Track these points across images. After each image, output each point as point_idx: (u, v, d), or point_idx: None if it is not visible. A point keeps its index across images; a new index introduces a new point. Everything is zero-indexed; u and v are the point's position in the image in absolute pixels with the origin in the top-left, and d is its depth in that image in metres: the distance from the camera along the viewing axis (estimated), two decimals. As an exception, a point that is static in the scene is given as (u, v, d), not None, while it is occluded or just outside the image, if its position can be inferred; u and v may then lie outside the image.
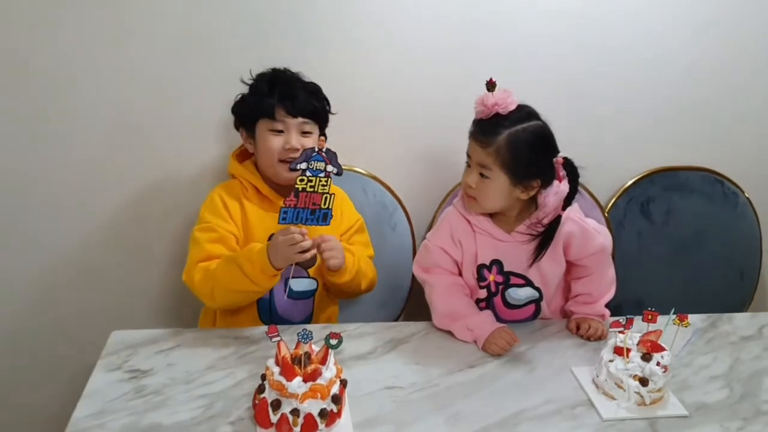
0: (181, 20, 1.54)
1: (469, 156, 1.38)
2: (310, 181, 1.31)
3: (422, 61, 1.65)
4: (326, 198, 1.33)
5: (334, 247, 1.41)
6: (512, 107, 1.31)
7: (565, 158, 1.34)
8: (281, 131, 1.44)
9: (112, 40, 1.53)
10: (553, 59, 1.70)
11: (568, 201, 1.35)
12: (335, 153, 1.32)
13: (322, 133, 1.52)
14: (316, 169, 1.31)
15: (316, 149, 1.32)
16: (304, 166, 1.31)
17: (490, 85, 1.31)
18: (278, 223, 1.31)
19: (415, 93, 1.68)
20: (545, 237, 1.39)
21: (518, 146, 1.30)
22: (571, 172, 1.34)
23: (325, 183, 1.32)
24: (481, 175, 1.35)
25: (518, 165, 1.31)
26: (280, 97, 1.42)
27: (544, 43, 1.68)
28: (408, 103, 1.69)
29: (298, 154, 1.38)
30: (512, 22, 1.65)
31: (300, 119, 1.44)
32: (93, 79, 1.55)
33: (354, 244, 1.55)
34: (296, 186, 1.30)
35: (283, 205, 1.31)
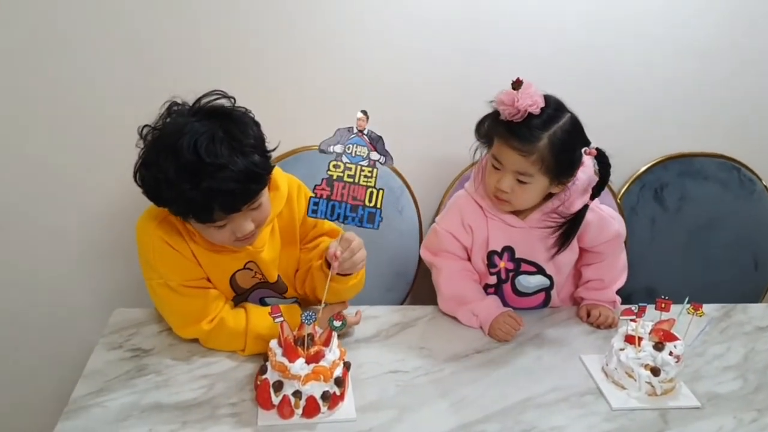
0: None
1: (499, 161, 1.27)
2: (348, 169, 1.08)
3: (430, 43, 1.61)
4: (372, 193, 1.09)
5: (357, 249, 1.17)
6: (542, 104, 1.22)
7: (597, 149, 1.27)
8: (224, 225, 1.13)
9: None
10: (566, 44, 1.65)
11: (597, 191, 1.30)
12: (381, 137, 1.09)
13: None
14: (356, 155, 1.09)
15: (356, 130, 1.09)
16: (339, 149, 1.08)
17: (517, 84, 1.20)
18: (308, 216, 1.10)
19: (425, 73, 1.64)
20: (570, 227, 1.34)
21: (560, 148, 1.22)
22: (603, 161, 1.28)
23: (369, 174, 1.09)
24: (519, 180, 1.27)
25: (560, 166, 1.25)
26: (208, 197, 1.05)
27: (556, 28, 1.63)
28: (416, 84, 1.65)
29: (253, 236, 1.17)
30: (522, 8, 1.60)
31: (244, 208, 1.12)
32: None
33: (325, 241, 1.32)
34: (329, 172, 1.08)
35: (313, 195, 1.09)
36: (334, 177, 1.08)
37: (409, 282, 1.75)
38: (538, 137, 1.22)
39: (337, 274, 1.17)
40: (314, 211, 1.09)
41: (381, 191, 1.09)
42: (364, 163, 1.09)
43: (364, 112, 1.09)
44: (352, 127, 1.08)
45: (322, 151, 1.08)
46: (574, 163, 1.27)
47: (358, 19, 1.55)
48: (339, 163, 1.08)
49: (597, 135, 1.31)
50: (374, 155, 1.09)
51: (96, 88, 1.49)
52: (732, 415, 1.13)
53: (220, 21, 1.48)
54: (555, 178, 1.27)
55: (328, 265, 1.17)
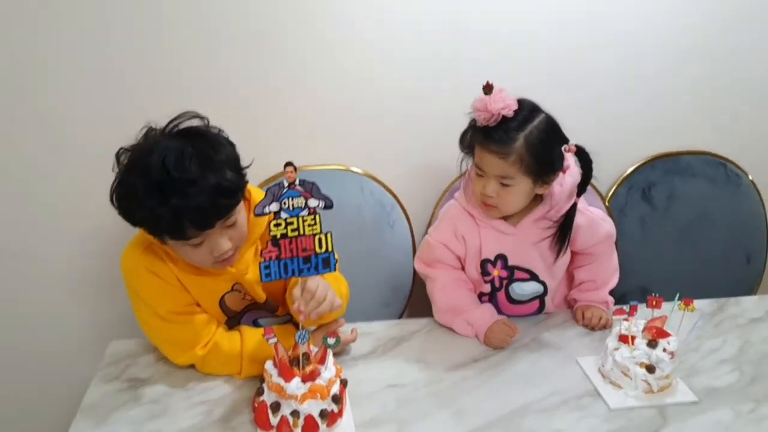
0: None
1: (481, 168, 1.30)
2: (290, 223, 1.07)
3: (417, 59, 1.63)
4: (320, 239, 1.08)
5: (325, 299, 1.12)
6: (515, 107, 1.25)
7: (576, 145, 1.29)
8: (200, 243, 1.12)
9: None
10: (549, 49, 1.67)
11: (582, 187, 1.32)
12: (314, 183, 1.07)
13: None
14: (295, 207, 1.07)
15: (287, 183, 1.05)
16: (275, 207, 1.05)
17: (488, 89, 1.24)
18: (261, 281, 1.07)
19: (411, 91, 1.66)
20: (563, 228, 1.36)
21: (537, 146, 1.24)
22: (583, 158, 1.30)
23: (312, 221, 1.07)
24: (502, 184, 1.29)
25: (540, 164, 1.26)
26: (179, 214, 1.05)
27: (538, 33, 1.65)
28: (404, 101, 1.67)
29: (233, 252, 1.17)
30: (507, 13, 1.63)
31: (218, 224, 1.11)
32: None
33: None
34: (271, 233, 1.06)
35: (262, 259, 1.06)
36: (278, 236, 1.06)
37: (405, 296, 1.76)
38: (513, 138, 1.24)
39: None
40: (267, 275, 1.07)
41: (328, 234, 1.09)
42: (305, 213, 1.07)
43: (291, 164, 1.06)
44: (282, 182, 1.06)
45: (257, 214, 1.06)
46: (554, 161, 1.29)
47: (344, 35, 1.57)
48: (279, 221, 1.06)
49: (581, 138, 1.32)
50: (312, 202, 1.07)
51: (74, 111, 1.50)
52: (729, 407, 1.14)
53: (207, 45, 1.51)
54: (537, 178, 1.29)
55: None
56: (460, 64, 1.64)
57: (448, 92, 1.65)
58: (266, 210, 1.05)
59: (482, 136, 1.27)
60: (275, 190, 1.05)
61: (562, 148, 1.28)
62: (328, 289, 1.14)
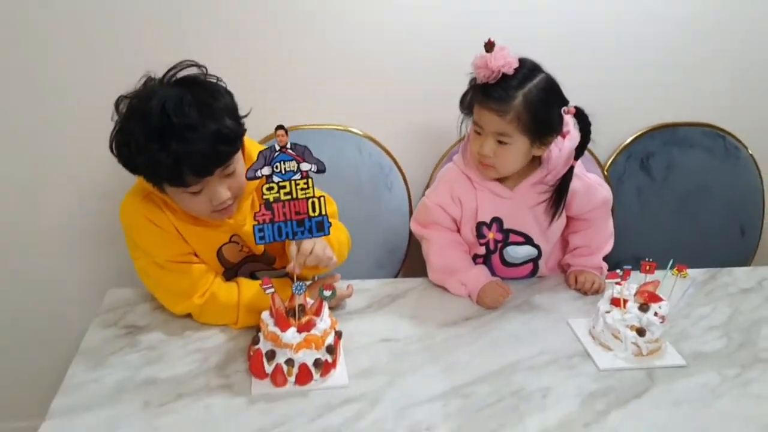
0: None
1: (479, 125, 1.30)
2: (283, 187, 1.08)
3: (419, 20, 1.61)
4: (313, 203, 1.09)
5: (320, 256, 1.14)
6: (516, 65, 1.24)
7: (576, 107, 1.29)
8: (199, 191, 1.13)
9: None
10: (552, 17, 1.65)
11: (580, 151, 1.32)
12: (305, 146, 1.07)
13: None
14: (287, 171, 1.07)
15: (278, 147, 1.06)
16: (267, 171, 1.06)
17: (489, 46, 1.24)
18: (255, 243, 1.10)
19: (413, 52, 1.64)
20: (559, 192, 1.36)
21: (535, 105, 1.24)
22: (582, 120, 1.30)
23: (305, 185, 1.08)
24: (499, 142, 1.28)
25: (538, 124, 1.26)
26: (178, 160, 1.05)
27: (542, 1, 1.64)
28: (405, 62, 1.65)
29: (232, 203, 1.17)
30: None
31: (217, 172, 1.12)
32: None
33: None
34: (264, 197, 1.07)
35: (255, 222, 1.08)
36: (271, 199, 1.07)
37: (400, 258, 1.77)
38: (512, 96, 1.24)
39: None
40: (261, 238, 1.08)
41: (322, 198, 1.10)
42: (297, 176, 1.08)
43: (282, 127, 1.06)
44: (274, 146, 1.06)
45: (249, 178, 1.07)
46: (552, 121, 1.29)
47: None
48: (272, 184, 1.07)
49: (583, 106, 1.31)
50: (305, 166, 1.08)
51: (71, 63, 1.49)
52: (716, 371, 1.16)
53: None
54: (535, 138, 1.29)
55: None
56: (462, 26, 1.62)
57: (451, 55, 1.62)
58: (258, 174, 1.06)
59: (481, 94, 1.27)
60: (267, 154, 1.06)
61: (562, 110, 1.28)
62: (324, 248, 1.15)
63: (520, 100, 1.24)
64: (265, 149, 1.07)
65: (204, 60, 1.19)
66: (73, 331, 1.39)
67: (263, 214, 1.08)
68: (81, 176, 1.60)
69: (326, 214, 1.11)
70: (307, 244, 1.13)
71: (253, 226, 1.08)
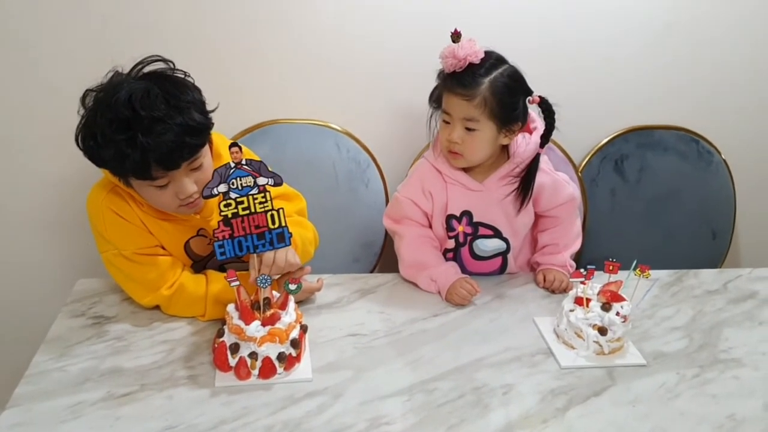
0: None
1: (448, 113, 1.34)
2: (241, 203, 1.09)
3: (395, 16, 1.62)
4: (272, 215, 1.11)
5: (282, 266, 1.16)
6: (482, 55, 1.29)
7: (540, 96, 1.33)
8: (165, 185, 1.13)
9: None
10: (528, 20, 1.67)
11: (545, 139, 1.35)
12: (261, 161, 1.10)
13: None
14: (244, 186, 1.09)
15: (233, 164, 1.07)
16: (223, 188, 1.08)
17: (456, 36, 1.29)
18: (217, 259, 1.10)
19: (390, 48, 1.65)
20: (526, 181, 1.39)
21: (502, 91, 1.29)
22: (546, 108, 1.33)
23: (263, 199, 1.10)
24: (467, 129, 1.32)
25: (504, 110, 1.30)
26: (145, 152, 1.04)
27: (521, 3, 1.65)
28: (385, 60, 1.66)
29: (198, 197, 1.16)
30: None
31: (184, 165, 1.12)
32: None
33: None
34: (222, 213, 1.08)
35: (216, 239, 1.09)
36: (229, 216, 1.09)
37: (376, 253, 1.78)
38: (479, 82, 1.28)
39: None
40: (222, 254, 1.09)
41: (281, 210, 1.12)
42: (254, 191, 1.09)
43: (236, 144, 1.09)
44: (229, 163, 1.08)
45: (206, 196, 1.08)
46: (518, 108, 1.32)
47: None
48: (229, 201, 1.08)
49: (558, 108, 1.34)
50: (261, 180, 1.09)
51: (43, 54, 1.49)
52: (675, 371, 1.17)
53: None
54: (502, 125, 1.32)
55: None
56: (442, 24, 1.62)
57: (431, 52, 1.64)
58: (214, 191, 1.08)
59: (449, 81, 1.31)
60: (222, 171, 1.07)
61: (527, 99, 1.32)
62: (286, 255, 1.16)
63: (486, 86, 1.28)
64: (219, 167, 1.08)
65: (182, 55, 1.20)
66: (42, 321, 1.39)
67: (222, 231, 1.09)
68: (51, 166, 1.59)
69: (286, 225, 1.12)
70: (269, 254, 1.14)
71: (213, 243, 1.09)
